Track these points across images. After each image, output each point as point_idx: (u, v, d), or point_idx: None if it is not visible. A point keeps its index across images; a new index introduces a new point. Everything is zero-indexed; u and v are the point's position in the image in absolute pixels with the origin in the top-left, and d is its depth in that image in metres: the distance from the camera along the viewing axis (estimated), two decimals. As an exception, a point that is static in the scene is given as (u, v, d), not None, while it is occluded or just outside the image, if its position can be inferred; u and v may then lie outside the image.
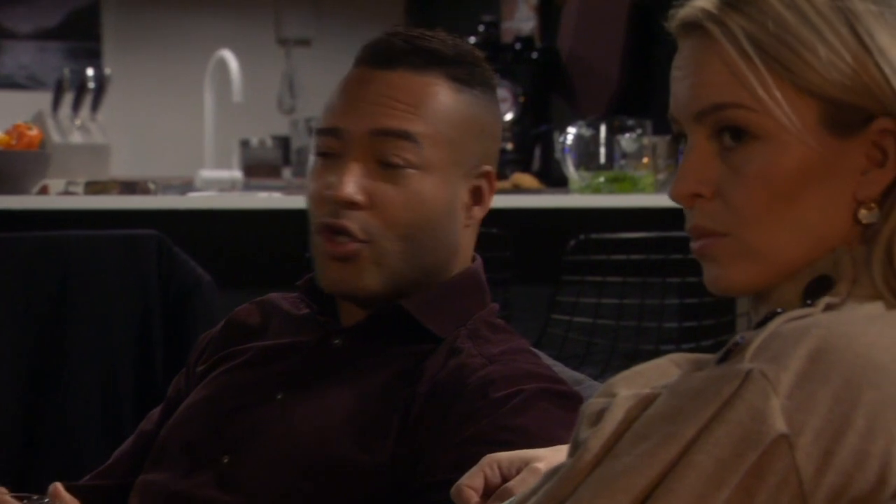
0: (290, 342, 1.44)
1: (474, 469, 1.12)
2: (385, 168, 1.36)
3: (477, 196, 1.42)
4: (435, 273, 1.40)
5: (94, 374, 2.52)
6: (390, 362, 1.38)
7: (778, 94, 0.93)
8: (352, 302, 1.41)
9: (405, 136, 1.36)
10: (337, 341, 1.42)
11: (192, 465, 1.40)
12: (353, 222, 1.36)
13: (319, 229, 1.38)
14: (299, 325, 1.46)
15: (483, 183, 1.41)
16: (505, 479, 1.12)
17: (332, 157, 1.39)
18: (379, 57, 1.40)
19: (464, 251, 1.43)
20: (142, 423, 1.54)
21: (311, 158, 1.42)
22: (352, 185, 1.36)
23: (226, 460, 1.37)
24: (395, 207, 1.36)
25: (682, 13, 0.98)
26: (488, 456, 1.13)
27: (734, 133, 0.95)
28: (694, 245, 0.97)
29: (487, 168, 1.42)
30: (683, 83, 0.97)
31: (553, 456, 1.12)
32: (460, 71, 1.41)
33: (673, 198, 0.97)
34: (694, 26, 0.97)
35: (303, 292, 1.46)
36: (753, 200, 0.94)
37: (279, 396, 1.39)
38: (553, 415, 1.30)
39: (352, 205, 1.36)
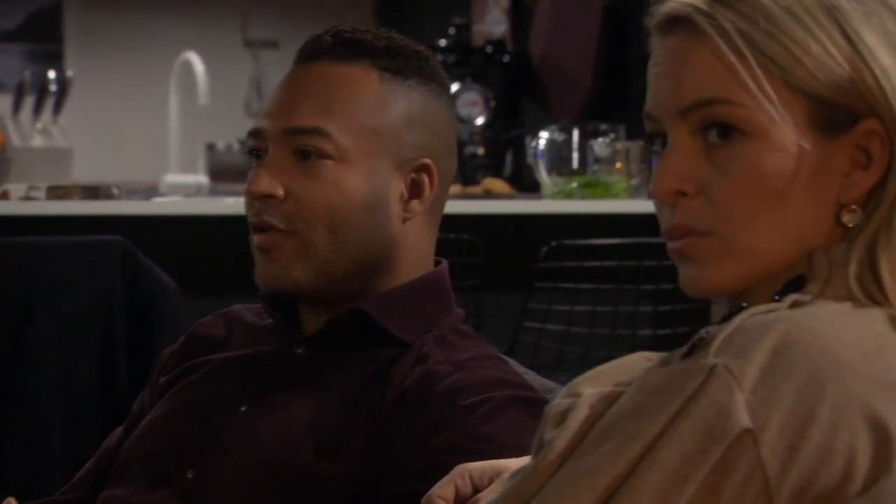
0: (252, 353, 1.44)
1: (445, 479, 1.12)
2: (303, 161, 1.38)
3: (416, 189, 1.42)
4: (376, 267, 1.40)
5: (57, 384, 2.51)
6: (355, 370, 1.38)
7: (770, 90, 0.94)
8: (288, 297, 1.42)
9: (315, 131, 1.38)
10: (300, 350, 1.42)
11: (154, 479, 1.39)
12: (273, 216, 1.38)
13: (251, 229, 1.41)
14: (262, 336, 1.46)
15: (422, 176, 1.41)
16: (476, 490, 1.12)
17: (259, 157, 1.41)
18: (304, 52, 1.43)
19: (413, 247, 1.42)
20: (106, 440, 1.53)
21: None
22: (266, 178, 1.38)
23: (190, 475, 1.37)
24: (312, 198, 1.38)
25: (668, 7, 0.98)
26: (460, 466, 1.13)
27: (721, 130, 0.95)
28: (674, 245, 0.97)
29: (426, 161, 1.41)
30: (666, 79, 0.97)
31: (525, 466, 1.12)
32: (391, 62, 1.41)
33: (655, 195, 0.97)
34: (680, 21, 0.97)
35: (265, 302, 1.47)
36: (739, 198, 0.94)
37: (243, 408, 1.39)
38: (522, 422, 1.30)
39: (268, 198, 1.38)
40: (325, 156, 1.38)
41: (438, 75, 1.44)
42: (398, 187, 1.41)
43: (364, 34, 1.42)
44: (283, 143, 1.39)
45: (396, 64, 1.41)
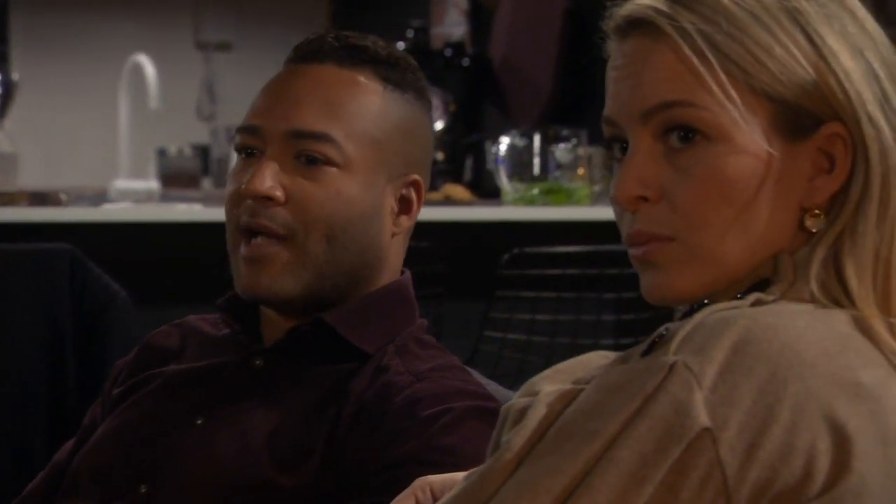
0: (208, 364, 1.44)
1: (406, 492, 1.13)
2: (305, 165, 1.37)
3: (404, 205, 1.42)
4: (360, 280, 1.40)
5: (4, 396, 2.50)
6: (315, 382, 1.38)
7: (734, 93, 0.95)
8: (270, 307, 1.41)
9: (323, 137, 1.37)
10: (258, 362, 1.41)
11: (107, 495, 1.38)
12: (271, 220, 1.37)
13: (237, 231, 1.38)
14: (219, 347, 1.45)
15: (411, 192, 1.42)
16: (437, 503, 1.13)
17: (251, 156, 1.39)
18: (306, 52, 1.42)
19: (392, 262, 1.43)
20: (56, 455, 1.52)
21: (234, 157, 1.44)
22: (268, 179, 1.36)
23: (143, 490, 1.37)
24: (314, 203, 1.37)
25: (627, 10, 0.98)
26: (420, 479, 1.13)
27: (683, 133, 0.96)
28: (636, 251, 0.98)
29: (415, 177, 1.42)
30: (626, 82, 0.97)
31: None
32: (392, 72, 1.41)
33: (616, 200, 0.98)
34: (640, 23, 0.97)
35: (223, 311, 1.46)
36: (702, 202, 0.95)
37: (199, 421, 1.39)
38: (484, 433, 1.29)
39: (268, 200, 1.36)
40: (329, 162, 1.37)
41: (426, 91, 1.45)
42: (390, 202, 1.41)
43: (365, 40, 1.42)
44: (284, 144, 1.38)
45: (397, 75, 1.42)
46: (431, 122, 1.46)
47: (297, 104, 1.38)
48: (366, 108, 1.39)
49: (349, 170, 1.38)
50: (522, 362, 3.17)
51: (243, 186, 1.37)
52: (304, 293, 1.38)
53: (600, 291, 3.15)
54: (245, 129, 1.40)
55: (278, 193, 1.36)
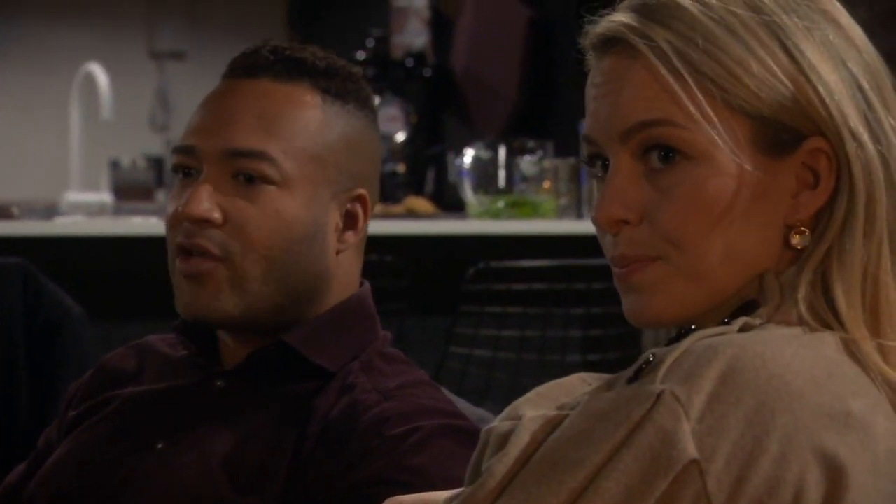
0: (168, 387, 1.42)
1: (376, 513, 1.12)
2: (243, 184, 1.37)
3: (350, 220, 1.41)
4: (305, 300, 1.39)
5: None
6: (278, 402, 1.37)
7: (711, 112, 0.94)
8: (212, 327, 1.40)
9: (259, 155, 1.36)
10: (219, 384, 1.40)
11: (64, 522, 1.37)
12: (208, 241, 1.36)
13: (175, 251, 1.38)
14: (178, 368, 1.44)
15: (357, 207, 1.41)
16: (408, 524, 1.12)
17: (188, 176, 1.39)
18: (242, 67, 1.41)
19: (343, 278, 1.42)
20: (8, 477, 1.50)
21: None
22: (205, 201, 1.35)
23: (102, 517, 1.36)
24: (252, 225, 1.36)
25: (602, 28, 0.98)
26: (391, 499, 1.13)
27: (663, 153, 0.96)
28: (620, 271, 0.98)
29: (361, 191, 1.41)
30: (605, 101, 0.97)
31: (459, 499, 1.12)
32: (332, 83, 1.41)
33: (598, 223, 0.98)
34: (615, 42, 0.97)
35: (180, 332, 1.45)
36: (684, 223, 0.95)
37: (160, 446, 1.38)
38: (454, 452, 1.30)
39: (206, 223, 1.36)
40: (267, 180, 1.36)
41: (370, 100, 1.44)
42: (334, 218, 1.40)
43: (303, 52, 1.41)
44: (221, 164, 1.37)
45: (336, 86, 1.41)
46: (377, 132, 1.45)
47: (232, 122, 1.37)
48: (305, 123, 1.38)
49: (289, 188, 1.37)
50: (488, 379, 3.17)
51: (180, 209, 1.36)
52: (244, 314, 1.37)
53: (568, 307, 3.16)
54: (180, 149, 1.39)
55: (216, 215, 1.36)
